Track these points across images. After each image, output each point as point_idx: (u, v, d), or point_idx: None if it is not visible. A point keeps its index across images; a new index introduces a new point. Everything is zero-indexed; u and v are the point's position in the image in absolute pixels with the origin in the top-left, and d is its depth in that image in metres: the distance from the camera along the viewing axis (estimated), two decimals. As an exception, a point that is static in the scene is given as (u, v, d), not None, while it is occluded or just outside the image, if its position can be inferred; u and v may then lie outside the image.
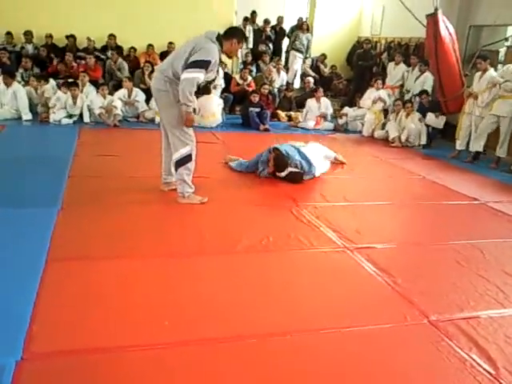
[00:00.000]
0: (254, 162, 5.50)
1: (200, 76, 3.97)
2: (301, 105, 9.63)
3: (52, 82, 8.32)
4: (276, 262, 3.47)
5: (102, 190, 4.63)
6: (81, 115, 7.84)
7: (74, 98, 7.76)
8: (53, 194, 4.35)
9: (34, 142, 6.82)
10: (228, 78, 10.12)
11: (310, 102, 8.99)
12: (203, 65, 3.97)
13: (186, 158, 4.27)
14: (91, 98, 7.95)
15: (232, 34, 4.23)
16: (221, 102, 8.83)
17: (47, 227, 3.60)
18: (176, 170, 4.35)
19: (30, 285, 2.80)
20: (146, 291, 2.87)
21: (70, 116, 7.77)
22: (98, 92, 8.11)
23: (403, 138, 7.96)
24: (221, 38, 4.15)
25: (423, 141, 7.93)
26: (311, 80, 10.40)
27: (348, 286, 3.19)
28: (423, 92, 8.23)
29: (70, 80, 8.22)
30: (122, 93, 8.32)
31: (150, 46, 10.21)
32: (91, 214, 3.99)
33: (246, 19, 11.09)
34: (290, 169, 5.19)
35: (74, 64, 9.36)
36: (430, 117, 7.92)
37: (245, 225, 4.03)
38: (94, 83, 8.66)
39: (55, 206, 4.07)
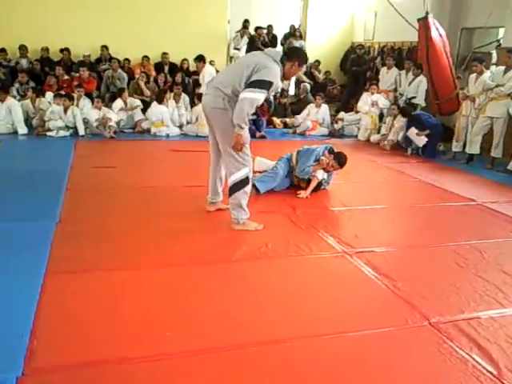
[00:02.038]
0: (284, 168, 5.20)
1: (261, 97, 3.70)
2: (295, 111, 9.68)
3: (49, 94, 8.36)
4: (275, 269, 3.47)
5: (99, 202, 4.64)
6: (76, 128, 7.85)
7: (66, 109, 7.77)
8: (50, 207, 4.35)
9: (31, 156, 6.83)
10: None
11: (310, 108, 9.14)
12: (265, 85, 3.69)
13: (244, 182, 3.96)
14: (86, 111, 7.98)
15: (295, 56, 3.96)
16: None
17: (46, 241, 3.60)
18: (231, 194, 4.00)
19: (30, 299, 2.79)
20: (147, 302, 2.87)
21: (67, 127, 7.78)
22: (93, 104, 8.14)
23: (399, 138, 7.99)
24: (283, 59, 3.87)
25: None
26: (307, 86, 10.43)
27: (348, 290, 3.20)
28: (410, 105, 8.03)
29: (63, 92, 8.26)
30: (119, 104, 8.36)
31: (145, 57, 10.26)
32: (90, 227, 3.98)
33: (245, 27, 11.13)
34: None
35: (67, 77, 9.38)
36: (412, 131, 7.61)
37: (243, 232, 4.03)
38: (89, 95, 8.70)
39: (53, 219, 4.07)
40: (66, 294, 2.92)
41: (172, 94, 8.81)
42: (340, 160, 5.14)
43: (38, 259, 3.30)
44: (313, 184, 5.10)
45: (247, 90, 3.66)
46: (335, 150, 5.27)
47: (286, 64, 3.88)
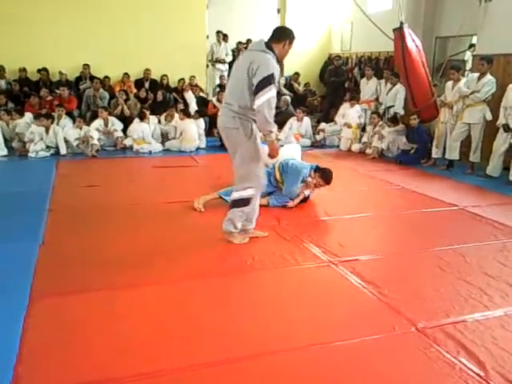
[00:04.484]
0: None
1: (272, 93, 3.56)
2: (277, 124, 9.71)
3: (28, 115, 8.29)
4: (262, 281, 3.48)
5: (83, 222, 4.60)
6: (58, 148, 7.80)
7: (47, 129, 7.72)
8: (33, 228, 4.31)
9: (11, 177, 6.74)
10: (204, 101, 10.22)
11: (293, 121, 9.15)
12: (270, 80, 3.53)
13: (245, 201, 3.85)
14: (67, 130, 7.94)
15: (283, 36, 3.78)
16: (202, 125, 8.87)
17: (29, 262, 3.56)
18: (230, 208, 3.94)
19: (14, 323, 2.76)
20: (133, 320, 2.85)
21: (47, 148, 7.72)
22: (74, 123, 8.11)
23: (384, 146, 8.11)
24: (271, 44, 3.71)
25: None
26: (288, 99, 10.50)
27: (335, 299, 3.21)
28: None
29: (43, 112, 8.22)
30: (98, 123, 8.33)
31: (125, 74, 10.25)
32: (74, 247, 3.95)
33: (220, 36, 11.26)
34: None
35: (50, 97, 9.34)
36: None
37: (229, 245, 4.02)
38: (70, 114, 8.66)
39: (36, 240, 4.03)
40: (52, 316, 2.88)
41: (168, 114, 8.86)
42: (326, 178, 5.13)
43: (22, 282, 3.26)
44: (299, 199, 5.13)
45: (257, 97, 3.55)
46: (320, 167, 5.24)
47: (277, 47, 3.73)
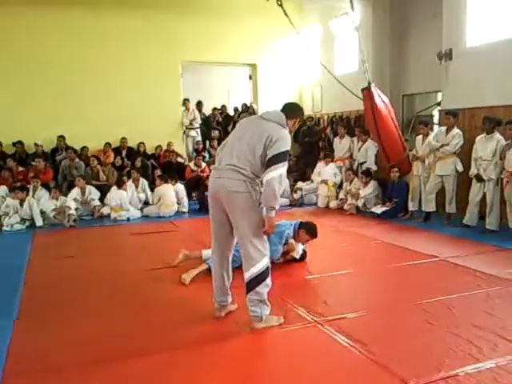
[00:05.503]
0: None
1: (284, 169, 3.45)
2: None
3: (3, 188, 8.21)
4: (246, 347, 3.36)
5: (60, 295, 4.45)
6: (33, 220, 7.68)
7: (22, 201, 7.65)
8: (8, 304, 4.16)
9: (-14, 253, 6.59)
10: (181, 167, 10.32)
11: None
12: (285, 157, 3.46)
13: (265, 273, 3.53)
14: (43, 202, 7.87)
15: (297, 114, 3.77)
16: (183, 189, 8.86)
17: (3, 340, 3.40)
18: (253, 288, 3.52)
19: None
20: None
21: (22, 221, 7.61)
22: (50, 195, 8.06)
23: (360, 203, 8.21)
24: (286, 120, 3.65)
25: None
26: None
27: (323, 362, 3.11)
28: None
29: (18, 184, 8.16)
30: (75, 192, 8.29)
31: (107, 144, 10.31)
32: (51, 323, 3.79)
33: (185, 104, 11.57)
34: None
35: (21, 168, 9.30)
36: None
37: (209, 312, 3.88)
38: (46, 186, 8.62)
39: (11, 316, 3.88)
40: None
41: (131, 179, 8.87)
42: (312, 232, 5.10)
43: (-5, 362, 3.10)
44: (293, 255, 5.15)
45: (270, 170, 3.40)
46: (303, 223, 5.20)
47: (289, 122, 3.68)
